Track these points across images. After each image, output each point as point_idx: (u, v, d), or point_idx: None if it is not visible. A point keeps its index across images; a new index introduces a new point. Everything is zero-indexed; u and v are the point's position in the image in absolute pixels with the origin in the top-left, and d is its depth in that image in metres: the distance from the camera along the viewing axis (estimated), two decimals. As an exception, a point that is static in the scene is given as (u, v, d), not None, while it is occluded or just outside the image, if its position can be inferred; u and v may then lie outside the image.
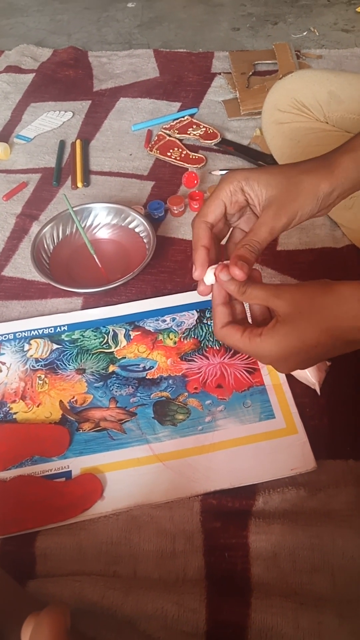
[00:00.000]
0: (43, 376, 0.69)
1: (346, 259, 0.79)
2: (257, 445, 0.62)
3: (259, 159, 0.98)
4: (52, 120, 1.11)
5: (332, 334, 0.44)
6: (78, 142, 1.04)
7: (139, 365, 0.70)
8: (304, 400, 0.65)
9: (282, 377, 0.67)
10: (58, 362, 0.71)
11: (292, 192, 0.48)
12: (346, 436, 0.61)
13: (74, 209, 0.82)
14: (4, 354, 0.72)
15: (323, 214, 0.52)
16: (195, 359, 0.70)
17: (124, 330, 0.74)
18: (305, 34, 1.34)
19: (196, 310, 0.75)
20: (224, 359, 0.70)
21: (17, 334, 0.74)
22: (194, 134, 1.03)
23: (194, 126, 1.05)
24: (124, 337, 0.73)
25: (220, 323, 0.49)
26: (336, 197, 0.50)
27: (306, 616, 0.49)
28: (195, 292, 0.79)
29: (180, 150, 1.00)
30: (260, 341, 0.45)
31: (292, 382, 0.66)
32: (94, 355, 0.71)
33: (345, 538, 0.53)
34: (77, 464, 0.61)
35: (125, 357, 0.71)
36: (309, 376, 0.64)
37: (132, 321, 0.75)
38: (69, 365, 0.70)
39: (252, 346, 0.46)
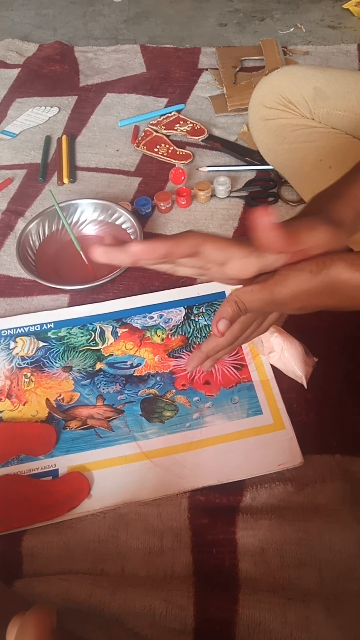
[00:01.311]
0: (29, 374, 0.69)
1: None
2: (244, 441, 0.62)
3: (246, 155, 0.98)
4: (38, 116, 1.09)
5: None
6: (64, 137, 1.03)
7: (126, 362, 0.70)
8: (291, 395, 0.65)
9: (269, 373, 0.67)
10: (44, 360, 0.70)
11: None
12: (333, 431, 0.62)
13: (60, 205, 0.81)
14: (-11, 352, 0.71)
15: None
16: (182, 356, 0.70)
17: (111, 328, 0.74)
18: (292, 30, 1.33)
19: (184, 307, 0.75)
20: (211, 355, 0.70)
21: (2, 332, 0.73)
22: (181, 130, 1.02)
23: (181, 122, 1.04)
24: (111, 334, 0.73)
25: None
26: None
27: (294, 611, 0.49)
28: (183, 289, 0.79)
29: (167, 146, 1.00)
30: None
31: (280, 377, 0.66)
32: (81, 353, 0.71)
33: (333, 532, 0.53)
34: (64, 463, 0.61)
35: (112, 355, 0.71)
36: (296, 370, 0.65)
37: (120, 318, 0.75)
38: (56, 363, 0.70)
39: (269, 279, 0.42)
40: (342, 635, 0.48)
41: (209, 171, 0.95)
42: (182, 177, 0.92)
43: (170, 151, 0.99)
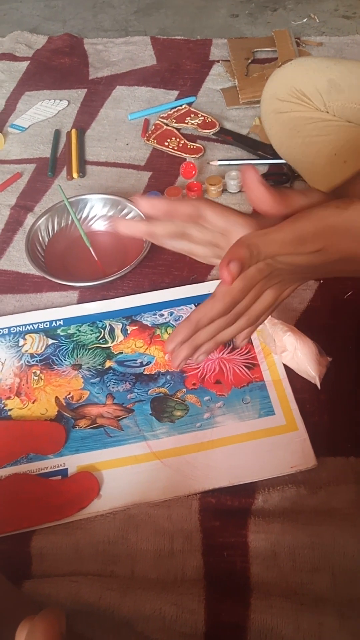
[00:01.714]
0: (38, 372, 0.68)
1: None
2: (256, 442, 0.60)
3: (258, 148, 0.96)
4: (47, 109, 1.08)
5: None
6: (73, 131, 1.02)
7: (136, 360, 0.69)
8: (304, 396, 0.64)
9: (282, 372, 0.66)
10: (54, 358, 0.69)
11: None
12: (347, 432, 0.60)
13: (70, 200, 0.80)
14: (-2, 349, 0.71)
15: None
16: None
17: (121, 325, 0.73)
18: (305, 20, 1.31)
19: (194, 305, 0.74)
20: (222, 354, 0.69)
21: (11, 329, 0.73)
22: (192, 123, 1.01)
23: (192, 115, 1.03)
24: (121, 331, 0.72)
25: None
26: None
27: (307, 617, 0.48)
28: (193, 285, 0.78)
29: (177, 139, 0.98)
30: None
31: (292, 377, 0.65)
32: (91, 351, 0.70)
33: (346, 537, 0.52)
34: (73, 462, 0.60)
35: (122, 353, 0.70)
36: (309, 370, 0.63)
37: (129, 315, 0.74)
38: (65, 360, 0.69)
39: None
40: (355, 642, 0.47)
41: (220, 165, 0.94)
42: (193, 172, 0.90)
43: (180, 145, 0.97)
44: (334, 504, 0.55)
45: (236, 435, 0.61)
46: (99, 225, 0.84)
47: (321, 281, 0.75)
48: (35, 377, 0.68)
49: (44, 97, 1.12)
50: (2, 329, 0.73)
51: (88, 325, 0.73)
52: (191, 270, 0.79)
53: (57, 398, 0.66)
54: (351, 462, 0.58)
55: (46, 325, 0.73)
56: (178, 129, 1.01)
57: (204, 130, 1.00)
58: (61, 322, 0.73)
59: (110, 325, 0.73)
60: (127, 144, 1.00)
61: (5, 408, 0.65)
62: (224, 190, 0.89)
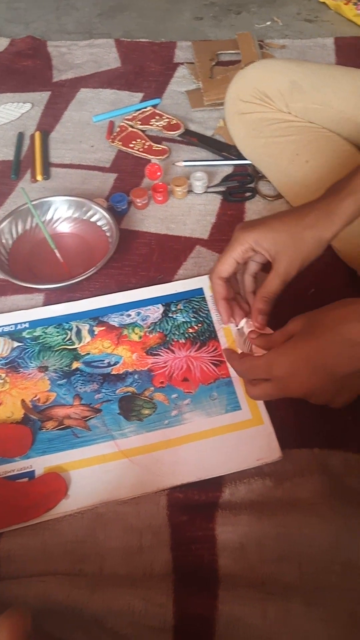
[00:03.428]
0: (4, 375, 0.68)
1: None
2: (223, 437, 0.61)
3: (222, 150, 0.97)
4: (10, 112, 1.08)
5: (337, 332, 0.48)
6: (37, 134, 1.01)
7: (103, 361, 0.69)
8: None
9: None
10: (19, 361, 0.69)
11: (297, 248, 0.56)
12: (311, 425, 0.62)
13: (33, 202, 0.80)
14: None
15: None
16: (161, 353, 0.70)
17: (88, 326, 0.73)
18: (268, 23, 1.33)
19: (161, 304, 0.75)
20: (190, 352, 0.69)
21: (-23, 332, 0.72)
22: (157, 125, 1.02)
23: (157, 117, 1.03)
24: (88, 332, 0.72)
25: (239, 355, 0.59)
26: (338, 235, 0.58)
27: (273, 605, 0.49)
28: (160, 285, 0.79)
29: (143, 141, 0.99)
30: (274, 351, 0.52)
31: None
32: (57, 352, 0.70)
33: (312, 526, 0.53)
34: (40, 464, 0.60)
35: (89, 353, 0.70)
36: None
37: (96, 316, 0.74)
38: (31, 363, 0.69)
39: (268, 355, 0.53)
40: (322, 627, 0.48)
41: (185, 166, 0.95)
42: (158, 173, 0.91)
43: (146, 147, 0.98)
44: (299, 494, 0.56)
45: (203, 431, 0.62)
46: (64, 227, 0.84)
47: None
48: (1, 381, 0.67)
49: (7, 100, 1.11)
50: (-33, 332, 0.72)
51: (54, 327, 0.72)
52: (158, 270, 0.80)
53: (23, 401, 0.65)
54: (315, 454, 0.59)
55: (11, 328, 0.72)
56: (143, 131, 1.01)
57: (169, 132, 1.00)
58: (27, 325, 0.73)
59: (77, 326, 0.73)
60: (92, 146, 1.00)
61: (-29, 412, 0.64)
62: (190, 191, 0.90)
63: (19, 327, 0.72)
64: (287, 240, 0.56)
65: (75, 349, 0.70)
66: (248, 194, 0.90)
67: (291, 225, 0.57)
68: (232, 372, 0.67)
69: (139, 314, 0.74)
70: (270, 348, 0.55)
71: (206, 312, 0.73)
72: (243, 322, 0.66)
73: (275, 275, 0.57)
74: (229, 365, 0.67)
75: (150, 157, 0.96)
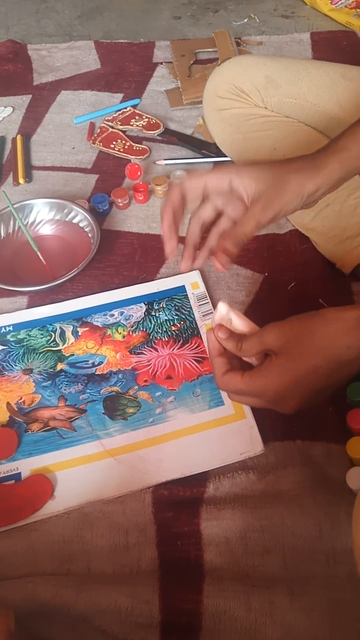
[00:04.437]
0: (-12, 379, 0.68)
1: (289, 244, 0.80)
2: (206, 433, 0.62)
3: (202, 148, 0.97)
4: (-8, 117, 1.08)
5: (326, 354, 0.46)
6: (19, 137, 1.01)
7: (87, 361, 0.70)
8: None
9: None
10: (4, 364, 0.69)
11: (279, 189, 0.52)
12: (293, 417, 0.61)
13: (15, 205, 0.80)
14: None
15: (306, 208, 0.56)
16: (144, 352, 0.70)
17: (72, 327, 0.73)
18: (245, 21, 1.33)
19: (144, 303, 0.75)
20: (173, 350, 0.70)
21: None
22: (137, 125, 1.02)
23: (137, 117, 1.04)
24: (72, 334, 0.72)
25: (220, 372, 0.52)
26: (320, 194, 0.55)
27: (257, 597, 0.49)
28: (143, 285, 0.79)
29: (123, 142, 0.99)
30: (260, 376, 0.48)
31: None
32: (41, 355, 0.70)
33: (294, 517, 0.54)
34: (26, 466, 0.60)
35: (73, 354, 0.70)
36: None
37: (80, 317, 0.74)
38: (16, 366, 0.69)
39: (254, 383, 0.49)
40: (306, 617, 0.49)
41: (166, 165, 0.95)
42: (139, 173, 0.91)
43: (126, 147, 0.98)
44: (282, 486, 0.56)
45: (187, 427, 0.63)
46: (46, 230, 0.85)
47: (266, 274, 0.77)
48: (-14, 384, 0.67)
49: (-12, 104, 1.11)
50: None
51: (38, 330, 0.73)
52: (140, 269, 0.80)
53: (8, 404, 0.66)
54: (298, 445, 0.60)
55: (-5, 331, 0.73)
56: (123, 131, 1.02)
57: (149, 132, 1.01)
58: (10, 328, 0.73)
59: (60, 328, 0.73)
60: (74, 148, 1.00)
61: None
62: (170, 189, 0.91)
63: (2, 330, 0.73)
64: (270, 179, 0.52)
65: (59, 351, 0.71)
66: (229, 190, 0.90)
67: (277, 166, 0.54)
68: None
69: (122, 313, 0.74)
70: (242, 353, 0.51)
71: (188, 309, 0.73)
72: (223, 308, 0.55)
73: (250, 215, 0.52)
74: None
75: (130, 157, 0.96)
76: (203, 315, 0.72)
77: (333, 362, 0.46)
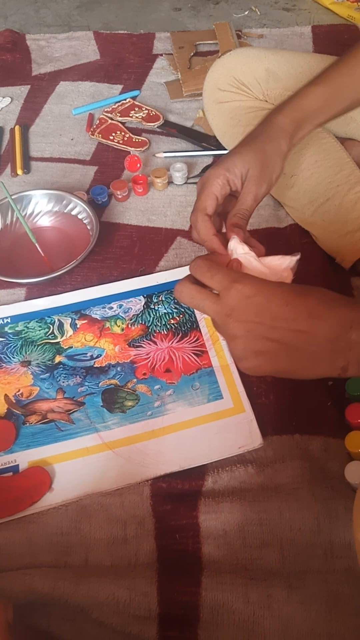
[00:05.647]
0: (-14, 370, 0.68)
1: (289, 238, 0.80)
2: (205, 426, 0.62)
3: (202, 140, 0.97)
4: (-11, 107, 1.07)
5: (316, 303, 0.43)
6: (17, 128, 1.01)
7: (86, 354, 0.69)
8: (251, 379, 0.65)
9: (229, 357, 0.67)
10: (2, 356, 0.69)
11: (262, 161, 0.58)
12: (292, 412, 0.62)
13: (13, 197, 0.80)
14: None
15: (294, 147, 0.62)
16: (143, 345, 0.70)
17: (70, 320, 0.73)
18: (246, 13, 1.32)
19: (143, 296, 0.75)
20: (172, 343, 0.70)
21: None
22: (137, 117, 1.01)
23: (136, 109, 1.03)
24: (70, 326, 0.72)
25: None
26: (299, 138, 0.63)
27: (255, 590, 0.49)
28: (142, 277, 0.78)
29: (122, 133, 0.98)
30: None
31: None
32: (40, 347, 0.70)
33: (292, 511, 0.54)
34: (24, 458, 0.60)
35: (71, 347, 0.70)
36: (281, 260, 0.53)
37: (78, 310, 0.74)
38: (14, 358, 0.69)
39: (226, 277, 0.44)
40: (303, 610, 0.49)
41: (165, 157, 0.95)
42: (138, 165, 0.91)
43: (126, 138, 0.97)
44: (281, 480, 0.57)
45: (186, 420, 0.62)
46: (45, 221, 0.84)
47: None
48: (-16, 376, 0.67)
49: (-14, 94, 1.10)
50: None
51: (36, 322, 0.72)
52: (139, 262, 0.80)
53: (6, 396, 0.65)
54: (296, 439, 0.60)
55: (-7, 323, 0.72)
56: (123, 123, 1.01)
57: (149, 124, 1.00)
58: (9, 320, 0.72)
59: (59, 320, 0.73)
60: (72, 139, 1.00)
61: None
62: (170, 182, 0.90)
63: (0, 322, 0.72)
64: (252, 156, 0.58)
65: (57, 343, 0.70)
66: (229, 184, 0.90)
67: (251, 143, 0.59)
68: (214, 362, 0.67)
69: (120, 306, 0.74)
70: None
71: (188, 302, 0.73)
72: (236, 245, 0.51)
73: (247, 192, 0.57)
74: (211, 354, 0.68)
75: (130, 149, 0.95)
76: (202, 309, 0.72)
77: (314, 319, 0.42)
